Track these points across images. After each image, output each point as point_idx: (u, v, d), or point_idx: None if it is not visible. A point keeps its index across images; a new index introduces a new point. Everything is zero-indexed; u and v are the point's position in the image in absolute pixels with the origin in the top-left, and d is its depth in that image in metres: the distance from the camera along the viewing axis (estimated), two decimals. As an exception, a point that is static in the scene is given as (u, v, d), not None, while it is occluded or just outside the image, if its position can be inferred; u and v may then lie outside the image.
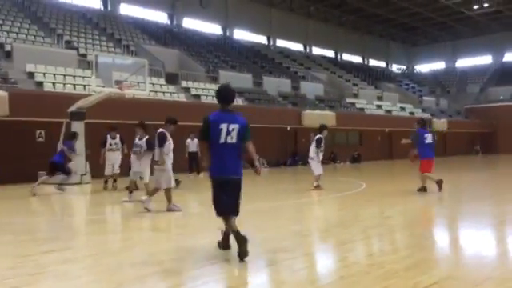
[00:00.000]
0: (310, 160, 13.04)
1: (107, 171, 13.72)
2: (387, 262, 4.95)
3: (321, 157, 12.98)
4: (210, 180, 5.46)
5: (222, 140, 5.29)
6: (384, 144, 36.00)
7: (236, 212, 5.48)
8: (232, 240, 5.36)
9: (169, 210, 8.94)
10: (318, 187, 12.58)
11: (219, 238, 5.69)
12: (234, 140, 5.36)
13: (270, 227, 7.40)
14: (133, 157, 10.59)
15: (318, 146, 12.82)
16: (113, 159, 13.77)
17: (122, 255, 5.61)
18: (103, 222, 8.82)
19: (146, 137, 10.41)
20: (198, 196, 12.97)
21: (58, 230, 7.91)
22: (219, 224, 5.63)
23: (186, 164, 18.57)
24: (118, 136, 13.93)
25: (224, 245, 5.63)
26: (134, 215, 9.24)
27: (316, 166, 12.85)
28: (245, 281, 4.60)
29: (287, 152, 28.31)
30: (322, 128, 13.22)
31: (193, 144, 18.56)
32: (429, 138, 11.64)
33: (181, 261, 5.25)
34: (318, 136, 12.97)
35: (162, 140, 9.05)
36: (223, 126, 5.28)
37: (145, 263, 5.09)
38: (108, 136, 13.89)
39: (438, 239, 6.65)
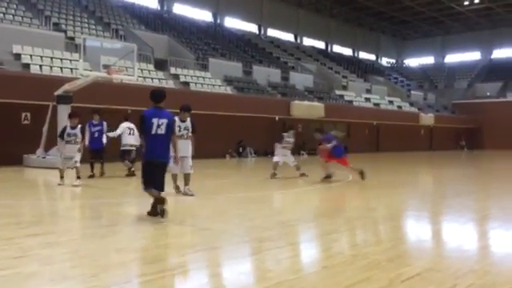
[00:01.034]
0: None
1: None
2: (371, 253, 5.00)
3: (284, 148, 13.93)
4: None
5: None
6: (371, 137, 36.24)
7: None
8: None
9: (184, 193, 9.50)
10: (274, 175, 13.30)
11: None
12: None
13: (256, 216, 7.42)
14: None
15: (279, 141, 14.05)
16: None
17: (106, 240, 5.59)
18: (88, 207, 8.76)
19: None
20: (192, 183, 12.94)
21: (42, 213, 7.85)
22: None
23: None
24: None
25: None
26: (120, 201, 9.20)
27: (277, 153, 13.78)
28: (229, 269, 4.61)
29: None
30: (289, 128, 14.71)
31: None
32: (334, 142, 13.16)
33: (165, 247, 5.25)
34: (282, 133, 14.29)
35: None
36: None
37: (129, 249, 5.08)
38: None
39: (421, 232, 6.73)
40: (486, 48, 55.14)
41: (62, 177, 10.90)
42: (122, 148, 13.44)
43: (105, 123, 13.11)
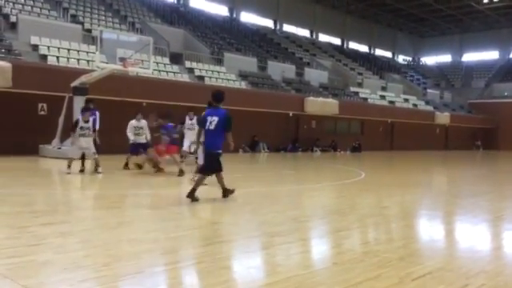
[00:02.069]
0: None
1: None
2: (382, 251, 4.98)
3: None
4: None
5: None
6: (386, 135, 36.00)
7: None
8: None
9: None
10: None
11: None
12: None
13: (268, 212, 7.44)
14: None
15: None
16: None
17: (119, 231, 5.65)
18: (102, 197, 8.86)
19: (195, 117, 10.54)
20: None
21: (57, 203, 7.96)
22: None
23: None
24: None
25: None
26: (133, 193, 9.29)
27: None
28: (239, 262, 4.63)
29: (288, 138, 28.33)
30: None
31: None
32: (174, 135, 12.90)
33: (177, 240, 5.29)
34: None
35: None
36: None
37: (141, 240, 5.13)
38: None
39: (433, 231, 6.68)
40: (504, 47, 54.30)
41: (69, 166, 11.32)
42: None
43: (97, 113, 12.83)
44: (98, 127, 12.58)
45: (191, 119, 15.02)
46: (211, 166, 8.13)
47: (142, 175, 12.12)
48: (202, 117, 8.22)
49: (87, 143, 11.45)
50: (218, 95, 8.25)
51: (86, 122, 11.38)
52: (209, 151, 8.11)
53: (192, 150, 15.10)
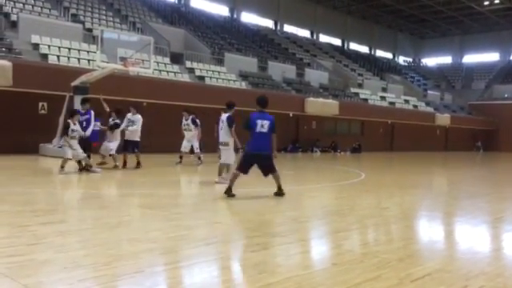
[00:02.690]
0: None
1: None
2: (381, 252, 4.98)
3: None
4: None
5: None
6: (386, 136, 36.01)
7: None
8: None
9: (217, 182, 10.17)
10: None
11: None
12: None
13: (268, 212, 7.44)
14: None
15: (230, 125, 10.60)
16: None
17: (119, 230, 5.65)
18: (102, 197, 8.86)
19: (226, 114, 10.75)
20: (199, 177, 13.03)
21: (57, 202, 7.96)
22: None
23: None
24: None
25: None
26: (133, 192, 9.29)
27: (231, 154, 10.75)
28: (239, 263, 4.64)
29: (288, 138, 28.33)
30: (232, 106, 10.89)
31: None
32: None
33: (177, 239, 5.29)
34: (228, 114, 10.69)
35: (232, 122, 10.37)
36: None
37: (141, 240, 5.14)
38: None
39: (432, 233, 6.69)
40: (505, 49, 54.33)
41: (63, 167, 11.41)
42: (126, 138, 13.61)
43: (92, 112, 12.88)
44: (91, 127, 12.63)
45: (186, 119, 15.08)
46: (267, 167, 8.56)
47: (142, 175, 12.13)
48: (247, 120, 8.50)
49: (77, 145, 11.63)
50: (265, 100, 8.78)
51: (75, 124, 11.62)
52: (260, 153, 8.44)
53: (188, 150, 15.18)
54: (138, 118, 13.24)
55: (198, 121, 15.30)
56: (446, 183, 15.28)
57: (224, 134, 10.40)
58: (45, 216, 6.31)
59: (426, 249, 5.54)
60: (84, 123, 12.59)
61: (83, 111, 12.85)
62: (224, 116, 10.51)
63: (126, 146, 13.23)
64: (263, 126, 8.37)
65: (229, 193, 8.33)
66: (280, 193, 8.71)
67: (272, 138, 8.56)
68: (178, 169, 14.39)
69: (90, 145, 12.67)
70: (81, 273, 3.91)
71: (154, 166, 14.33)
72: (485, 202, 9.69)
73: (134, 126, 13.06)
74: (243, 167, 8.58)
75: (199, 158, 15.23)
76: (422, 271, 4.31)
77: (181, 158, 15.13)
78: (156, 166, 14.72)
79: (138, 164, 13.16)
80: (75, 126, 11.58)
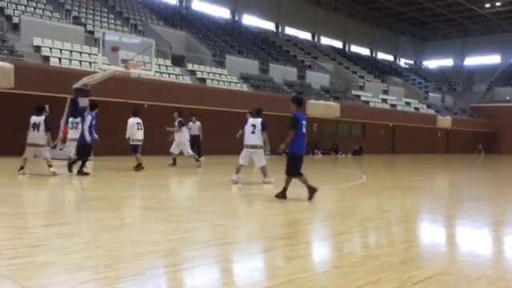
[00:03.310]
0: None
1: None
2: (382, 255, 4.98)
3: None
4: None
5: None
6: (387, 138, 35.99)
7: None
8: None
9: (265, 182, 10.90)
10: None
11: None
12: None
13: (269, 214, 7.44)
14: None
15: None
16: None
17: (120, 233, 5.66)
18: (104, 199, 8.86)
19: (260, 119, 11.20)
20: (198, 178, 13.02)
21: (58, 204, 7.97)
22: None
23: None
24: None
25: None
26: (134, 194, 9.30)
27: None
28: (241, 265, 4.63)
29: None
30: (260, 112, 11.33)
31: (195, 127, 18.44)
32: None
33: (178, 242, 5.29)
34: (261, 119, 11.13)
35: (265, 126, 10.83)
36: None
37: (142, 242, 5.14)
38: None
39: (434, 235, 6.68)
40: (506, 51, 54.32)
41: (50, 166, 11.44)
42: (131, 143, 13.54)
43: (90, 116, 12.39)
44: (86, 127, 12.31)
45: (175, 121, 15.15)
46: (296, 168, 8.58)
47: (143, 177, 12.13)
48: (297, 119, 8.48)
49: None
50: (301, 100, 8.91)
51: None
52: (301, 154, 8.56)
53: (178, 152, 15.20)
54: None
55: (183, 122, 15.47)
56: (447, 185, 15.27)
57: (255, 138, 10.82)
58: (46, 218, 6.31)
59: (427, 251, 5.53)
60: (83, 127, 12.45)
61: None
62: (256, 121, 10.91)
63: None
64: (305, 126, 8.54)
65: (283, 195, 8.50)
66: (312, 195, 8.66)
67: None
68: (178, 171, 14.39)
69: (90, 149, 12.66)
70: (82, 275, 3.91)
71: (154, 168, 14.33)
72: (486, 205, 9.68)
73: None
74: (298, 169, 8.62)
75: (197, 160, 15.41)
76: (424, 274, 4.30)
77: (174, 159, 15.29)
78: (157, 168, 14.73)
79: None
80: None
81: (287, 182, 8.67)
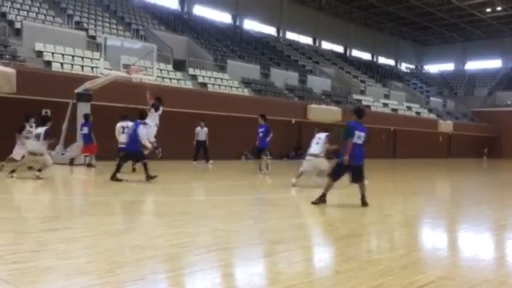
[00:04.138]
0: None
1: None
2: (384, 260, 4.97)
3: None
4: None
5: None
6: (388, 142, 35.95)
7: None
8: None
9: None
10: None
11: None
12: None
13: (270, 218, 7.43)
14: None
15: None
16: None
17: (122, 238, 5.66)
18: (105, 203, 8.86)
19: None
20: (202, 184, 13.02)
21: (60, 208, 7.97)
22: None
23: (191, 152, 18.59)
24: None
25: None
26: (136, 199, 9.30)
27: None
28: (242, 270, 4.63)
29: (291, 145, 28.31)
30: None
31: (202, 132, 18.46)
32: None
33: (180, 246, 5.29)
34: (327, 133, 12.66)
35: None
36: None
37: (144, 247, 5.13)
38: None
39: (435, 240, 6.66)
40: (507, 56, 54.32)
41: (13, 171, 11.54)
42: (118, 146, 13.86)
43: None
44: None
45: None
46: (356, 176, 8.73)
47: (144, 182, 12.13)
48: (349, 129, 8.63)
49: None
50: (362, 111, 9.12)
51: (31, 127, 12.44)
52: (354, 164, 8.60)
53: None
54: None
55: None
56: (449, 190, 15.24)
57: (319, 148, 12.03)
58: (48, 223, 6.31)
59: (429, 256, 5.52)
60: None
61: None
62: (322, 135, 12.27)
63: None
64: (360, 137, 8.60)
65: (322, 199, 8.63)
66: (364, 202, 8.74)
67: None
68: (179, 175, 14.39)
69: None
70: (84, 280, 3.91)
71: (155, 173, 14.32)
72: (488, 209, 9.66)
73: None
74: (336, 175, 8.84)
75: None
76: (426, 279, 4.29)
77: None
78: (158, 172, 14.71)
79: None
80: (31, 128, 12.35)
81: (361, 189, 8.84)
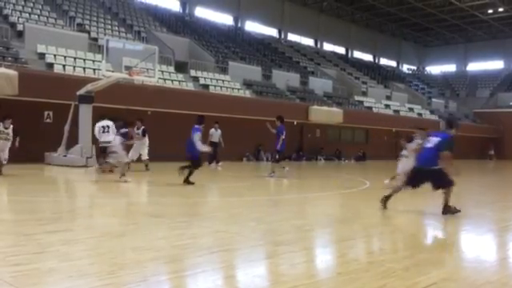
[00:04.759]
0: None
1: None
2: (386, 261, 4.96)
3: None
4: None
5: None
6: (390, 143, 35.91)
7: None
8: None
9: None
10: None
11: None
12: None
13: (272, 220, 7.42)
14: None
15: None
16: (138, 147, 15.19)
17: (124, 239, 5.66)
18: (107, 205, 8.87)
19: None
20: (203, 185, 13.02)
21: (62, 210, 7.97)
22: None
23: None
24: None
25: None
26: (137, 201, 9.30)
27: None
28: (244, 271, 4.62)
29: (292, 147, 28.29)
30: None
31: (216, 134, 18.50)
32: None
33: (181, 248, 5.29)
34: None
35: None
36: None
37: (146, 248, 5.13)
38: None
39: (438, 241, 6.65)
40: (509, 57, 54.24)
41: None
42: (100, 145, 13.98)
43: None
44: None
45: (138, 129, 15.32)
46: (444, 182, 8.53)
47: (146, 183, 12.14)
48: (453, 143, 8.80)
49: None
50: (457, 123, 9.42)
51: (6, 128, 12.82)
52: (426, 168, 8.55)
53: (135, 159, 15.34)
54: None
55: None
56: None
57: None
58: (50, 224, 6.32)
59: (431, 258, 5.50)
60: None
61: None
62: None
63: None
64: (431, 141, 8.62)
65: (385, 202, 8.56)
66: (446, 211, 8.40)
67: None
68: (181, 176, 14.37)
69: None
70: (86, 282, 3.91)
71: (158, 175, 14.34)
72: (490, 211, 9.65)
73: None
74: (410, 181, 8.81)
75: (146, 166, 15.45)
76: (428, 280, 4.28)
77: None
78: (160, 174, 14.74)
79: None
80: (5, 130, 12.73)
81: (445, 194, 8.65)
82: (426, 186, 8.71)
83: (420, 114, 41.15)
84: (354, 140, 33.65)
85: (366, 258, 5.27)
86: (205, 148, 12.02)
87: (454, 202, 8.56)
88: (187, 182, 11.38)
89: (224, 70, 28.93)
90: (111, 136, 13.16)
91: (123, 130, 12.83)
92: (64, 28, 24.00)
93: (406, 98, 42.85)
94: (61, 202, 9.06)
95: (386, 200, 8.58)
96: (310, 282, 4.22)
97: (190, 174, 11.50)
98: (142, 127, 15.49)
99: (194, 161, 11.70)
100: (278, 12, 43.92)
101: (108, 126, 13.58)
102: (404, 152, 12.42)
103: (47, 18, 24.20)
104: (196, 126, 11.85)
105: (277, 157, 15.24)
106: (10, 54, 19.59)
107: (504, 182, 19.99)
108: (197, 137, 11.66)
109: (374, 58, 55.00)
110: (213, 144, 18.22)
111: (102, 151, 13.74)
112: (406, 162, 11.85)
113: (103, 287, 3.81)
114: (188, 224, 6.94)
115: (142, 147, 15.44)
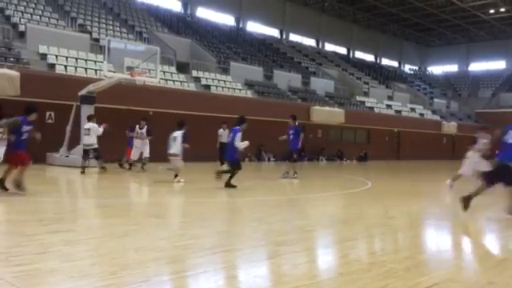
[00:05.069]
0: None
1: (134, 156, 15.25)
2: (388, 262, 4.96)
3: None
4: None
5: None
6: (392, 144, 35.89)
7: None
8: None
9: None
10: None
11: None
12: None
13: (274, 220, 7.42)
14: None
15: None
16: (140, 146, 15.25)
17: (126, 240, 5.66)
18: (109, 206, 8.88)
19: None
20: (211, 185, 13.03)
21: (64, 211, 7.99)
22: None
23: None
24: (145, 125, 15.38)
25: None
26: (139, 201, 9.31)
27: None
28: (245, 271, 4.63)
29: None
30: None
31: (224, 134, 18.51)
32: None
33: (183, 248, 5.29)
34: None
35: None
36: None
37: (147, 249, 5.14)
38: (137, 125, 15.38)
39: (440, 242, 6.64)
40: (511, 57, 54.16)
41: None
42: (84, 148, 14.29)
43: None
44: None
45: (141, 128, 15.35)
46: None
47: (148, 184, 12.15)
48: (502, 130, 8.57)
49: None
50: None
51: None
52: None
53: (137, 158, 15.40)
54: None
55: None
56: (453, 191, 15.17)
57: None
58: (52, 225, 6.33)
59: (433, 258, 5.50)
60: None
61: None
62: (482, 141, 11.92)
63: None
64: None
65: (467, 203, 8.34)
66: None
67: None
68: (185, 178, 14.39)
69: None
70: (87, 282, 3.92)
71: (158, 175, 14.35)
72: (493, 212, 9.63)
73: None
74: (489, 178, 8.67)
75: (143, 165, 15.45)
76: (430, 281, 4.28)
77: (130, 165, 15.67)
78: (160, 174, 14.74)
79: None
80: None
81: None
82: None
83: (422, 115, 41.12)
84: (356, 140, 33.62)
85: (367, 258, 5.26)
86: (245, 144, 11.75)
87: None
88: (229, 185, 11.16)
89: (225, 71, 28.94)
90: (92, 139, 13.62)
91: (181, 132, 12.42)
92: (66, 29, 24.04)
93: (408, 99, 42.82)
94: (63, 203, 9.08)
95: (467, 201, 8.33)
96: (312, 282, 4.22)
97: (232, 177, 11.33)
98: (146, 126, 15.52)
99: (234, 164, 11.54)
100: (279, 12, 43.93)
101: (91, 129, 13.87)
102: (469, 154, 12.50)
103: (49, 18, 24.24)
104: (236, 128, 11.74)
105: (295, 156, 15.18)
106: (12, 55, 19.63)
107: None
108: (238, 138, 11.55)
109: (376, 58, 54.97)
110: (222, 144, 18.21)
111: (84, 153, 13.97)
112: (469, 164, 12.20)
113: (105, 287, 3.82)
114: (189, 224, 6.94)
115: (144, 147, 15.45)
